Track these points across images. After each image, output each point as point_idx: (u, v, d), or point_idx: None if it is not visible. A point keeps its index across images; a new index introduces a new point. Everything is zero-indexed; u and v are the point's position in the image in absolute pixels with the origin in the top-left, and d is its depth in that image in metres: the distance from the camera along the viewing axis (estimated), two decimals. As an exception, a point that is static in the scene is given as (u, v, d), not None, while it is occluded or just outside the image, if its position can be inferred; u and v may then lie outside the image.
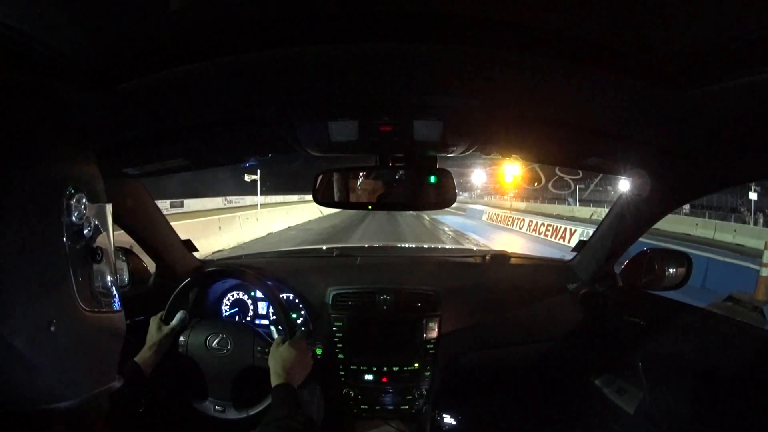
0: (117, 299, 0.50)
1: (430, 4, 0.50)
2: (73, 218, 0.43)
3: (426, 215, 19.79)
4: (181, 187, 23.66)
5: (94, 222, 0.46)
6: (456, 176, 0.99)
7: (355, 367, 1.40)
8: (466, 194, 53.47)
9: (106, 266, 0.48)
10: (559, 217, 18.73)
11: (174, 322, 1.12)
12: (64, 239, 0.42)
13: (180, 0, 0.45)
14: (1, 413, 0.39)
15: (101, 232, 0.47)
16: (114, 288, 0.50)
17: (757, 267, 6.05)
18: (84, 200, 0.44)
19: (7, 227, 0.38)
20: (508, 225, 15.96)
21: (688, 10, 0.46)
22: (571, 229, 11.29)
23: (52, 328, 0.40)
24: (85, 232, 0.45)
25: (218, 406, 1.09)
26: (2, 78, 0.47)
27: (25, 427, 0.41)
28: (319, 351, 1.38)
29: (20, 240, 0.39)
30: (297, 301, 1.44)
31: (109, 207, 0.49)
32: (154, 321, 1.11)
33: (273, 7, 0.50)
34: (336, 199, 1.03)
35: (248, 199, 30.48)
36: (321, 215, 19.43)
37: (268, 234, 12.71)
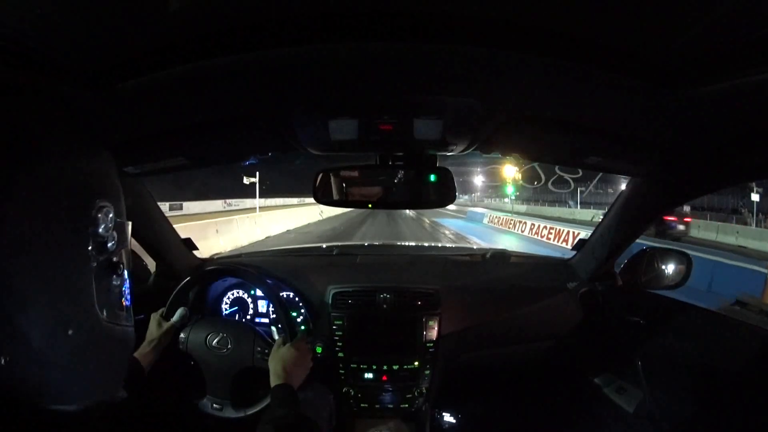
0: (131, 313, 0.52)
1: (430, 3, 0.51)
2: (100, 230, 0.44)
3: (426, 218, 19.58)
4: (181, 189, 23.54)
5: (117, 236, 0.47)
6: (455, 176, 0.99)
7: (355, 366, 1.40)
8: (465, 197, 51.87)
9: (124, 280, 0.50)
10: (560, 219, 18.62)
11: (174, 318, 1.12)
12: (90, 248, 0.43)
13: (179, 0, 0.45)
14: (11, 407, 0.40)
15: (123, 247, 0.49)
16: (129, 302, 0.51)
17: (764, 270, 5.98)
18: (111, 214, 0.46)
19: (36, 227, 0.39)
20: (509, 228, 15.79)
21: (688, 10, 0.46)
22: (574, 232, 11.25)
23: (70, 332, 0.41)
24: (109, 245, 0.46)
25: (216, 404, 1.10)
26: (8, 78, 0.47)
27: (32, 425, 0.42)
28: (319, 350, 1.39)
29: (48, 240, 0.40)
30: (297, 299, 1.45)
31: (129, 225, 0.51)
32: (154, 317, 1.12)
33: (272, 7, 0.50)
34: (336, 197, 1.03)
35: (248, 202, 29.89)
36: (321, 218, 19.06)
37: (267, 237, 12.60)
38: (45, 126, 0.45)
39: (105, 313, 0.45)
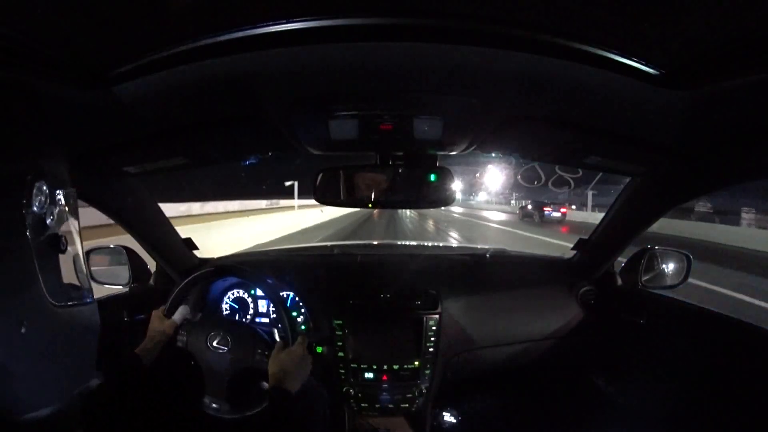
0: (87, 290, 0.47)
1: (430, 3, 0.51)
2: (35, 207, 0.40)
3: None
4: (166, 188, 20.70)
5: (57, 209, 0.43)
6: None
7: (356, 365, 1.40)
8: (477, 199, 44.25)
9: (72, 256, 0.45)
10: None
11: (175, 316, 1.12)
12: (28, 232, 0.39)
13: (179, 0, 0.46)
14: None
15: (65, 219, 0.44)
16: (83, 278, 0.46)
17: None
18: (44, 187, 0.41)
19: None
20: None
21: (689, 9, 0.46)
22: None
23: (23, 330, 0.38)
24: (48, 221, 0.41)
25: (214, 403, 1.10)
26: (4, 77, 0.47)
27: None
28: (319, 349, 1.39)
29: None
30: (297, 299, 1.45)
31: (73, 192, 0.46)
32: (155, 314, 1.12)
33: (272, 7, 0.50)
34: (335, 196, 1.03)
35: (197, 207, 22.63)
36: (280, 236, 11.73)
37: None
38: None
39: (56, 296, 0.41)
